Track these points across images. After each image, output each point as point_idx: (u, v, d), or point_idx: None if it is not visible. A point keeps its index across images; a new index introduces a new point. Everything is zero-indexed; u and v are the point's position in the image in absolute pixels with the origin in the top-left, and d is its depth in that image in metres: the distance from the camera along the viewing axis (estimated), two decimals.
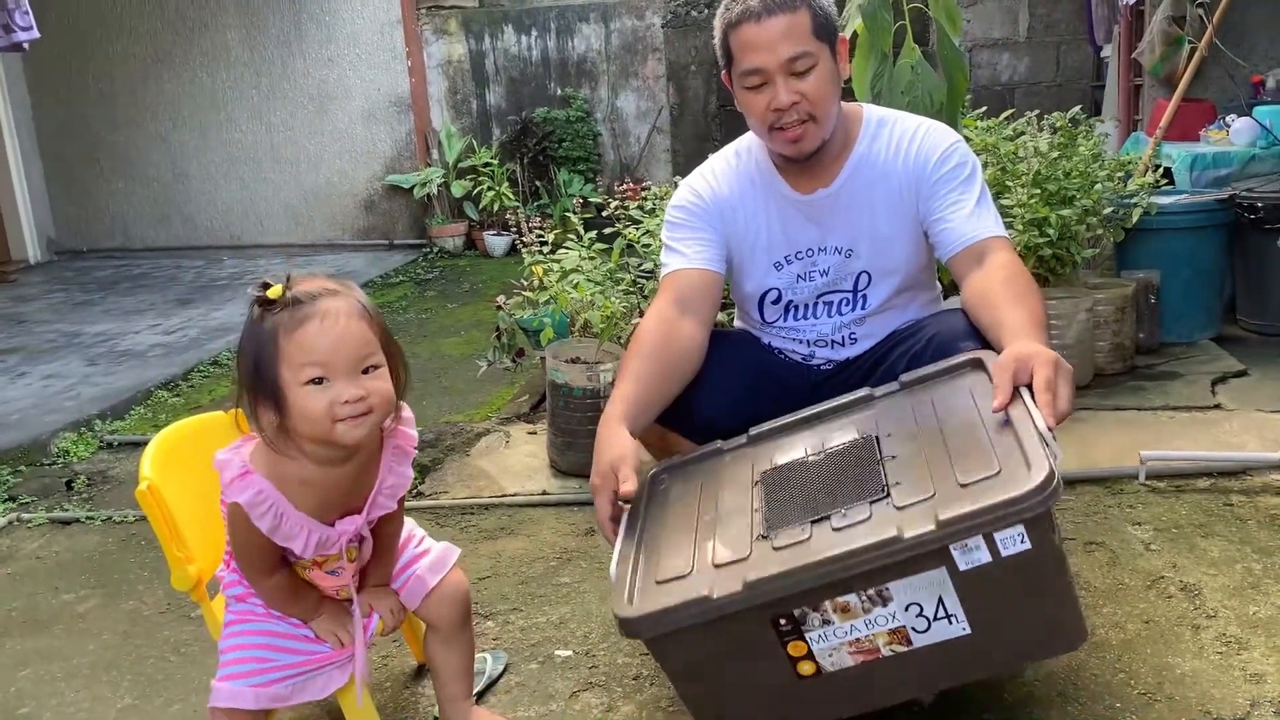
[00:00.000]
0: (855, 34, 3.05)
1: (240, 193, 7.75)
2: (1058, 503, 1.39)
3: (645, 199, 3.64)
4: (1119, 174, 3.84)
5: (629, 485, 1.72)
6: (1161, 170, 4.17)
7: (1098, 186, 3.61)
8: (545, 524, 2.76)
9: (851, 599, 1.44)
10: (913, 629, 1.45)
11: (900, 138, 2.03)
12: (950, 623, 1.44)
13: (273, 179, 7.69)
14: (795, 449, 1.77)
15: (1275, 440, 2.73)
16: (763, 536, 1.56)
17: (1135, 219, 3.70)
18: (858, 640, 1.47)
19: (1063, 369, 1.56)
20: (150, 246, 7.84)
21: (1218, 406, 3.21)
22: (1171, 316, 3.80)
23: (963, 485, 1.45)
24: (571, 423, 3.00)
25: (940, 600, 1.43)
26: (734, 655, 1.51)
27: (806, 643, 1.48)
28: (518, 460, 3.17)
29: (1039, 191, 3.47)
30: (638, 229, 3.46)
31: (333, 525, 1.62)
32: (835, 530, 1.49)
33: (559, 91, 7.48)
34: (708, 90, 7.29)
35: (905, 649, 1.47)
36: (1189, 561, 2.30)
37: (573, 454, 3.01)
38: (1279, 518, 2.47)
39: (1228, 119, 4.34)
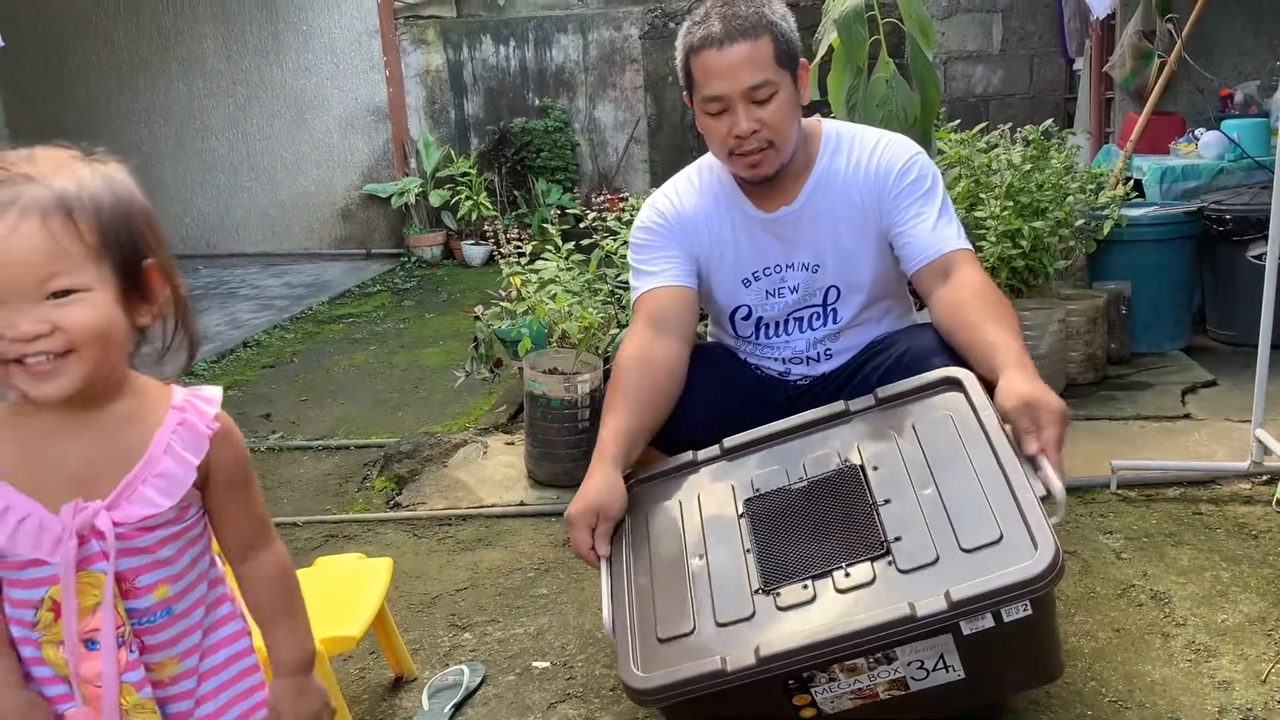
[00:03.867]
0: (831, 48, 3.08)
1: (216, 202, 7.71)
2: None
3: (624, 210, 3.66)
4: (1090, 186, 3.89)
5: (604, 549, 1.77)
6: (1132, 183, 4.22)
7: (1070, 199, 3.66)
8: (523, 535, 2.77)
9: (859, 662, 1.47)
10: (911, 678, 1.50)
11: (860, 152, 2.06)
12: (947, 672, 1.49)
13: (249, 188, 7.66)
14: (775, 471, 1.77)
15: (1243, 449, 2.77)
16: (763, 591, 1.57)
17: (1106, 231, 3.75)
18: (859, 690, 1.51)
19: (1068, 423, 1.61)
20: None
21: (1187, 416, 3.26)
22: (1142, 327, 3.84)
23: (965, 550, 1.49)
24: (549, 433, 3.01)
25: (941, 656, 1.47)
26: (743, 712, 1.54)
27: (810, 695, 1.52)
28: (495, 471, 3.18)
29: (1012, 204, 3.51)
30: (615, 240, 3.47)
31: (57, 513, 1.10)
32: (840, 592, 1.52)
33: (537, 102, 7.49)
34: (685, 101, 7.32)
35: (902, 693, 1.51)
36: (1159, 570, 2.33)
37: (550, 464, 3.02)
38: (1247, 526, 2.51)
39: (1197, 132, 4.40)
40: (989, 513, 1.51)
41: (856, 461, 1.70)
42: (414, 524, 2.87)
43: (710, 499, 1.78)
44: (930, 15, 4.41)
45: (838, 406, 1.83)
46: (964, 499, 1.55)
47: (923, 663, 1.48)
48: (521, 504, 2.94)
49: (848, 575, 1.53)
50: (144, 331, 1.15)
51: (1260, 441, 2.67)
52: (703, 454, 1.87)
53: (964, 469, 1.59)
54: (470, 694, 2.03)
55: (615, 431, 1.88)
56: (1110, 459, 2.78)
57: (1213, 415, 3.24)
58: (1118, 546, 2.45)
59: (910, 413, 1.75)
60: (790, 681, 1.49)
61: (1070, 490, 2.74)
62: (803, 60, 2.00)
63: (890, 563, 1.52)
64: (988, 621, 1.42)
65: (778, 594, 1.56)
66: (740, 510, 1.73)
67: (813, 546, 1.60)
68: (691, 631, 1.57)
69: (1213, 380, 3.56)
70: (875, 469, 1.68)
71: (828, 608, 1.51)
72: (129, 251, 1.11)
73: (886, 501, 1.62)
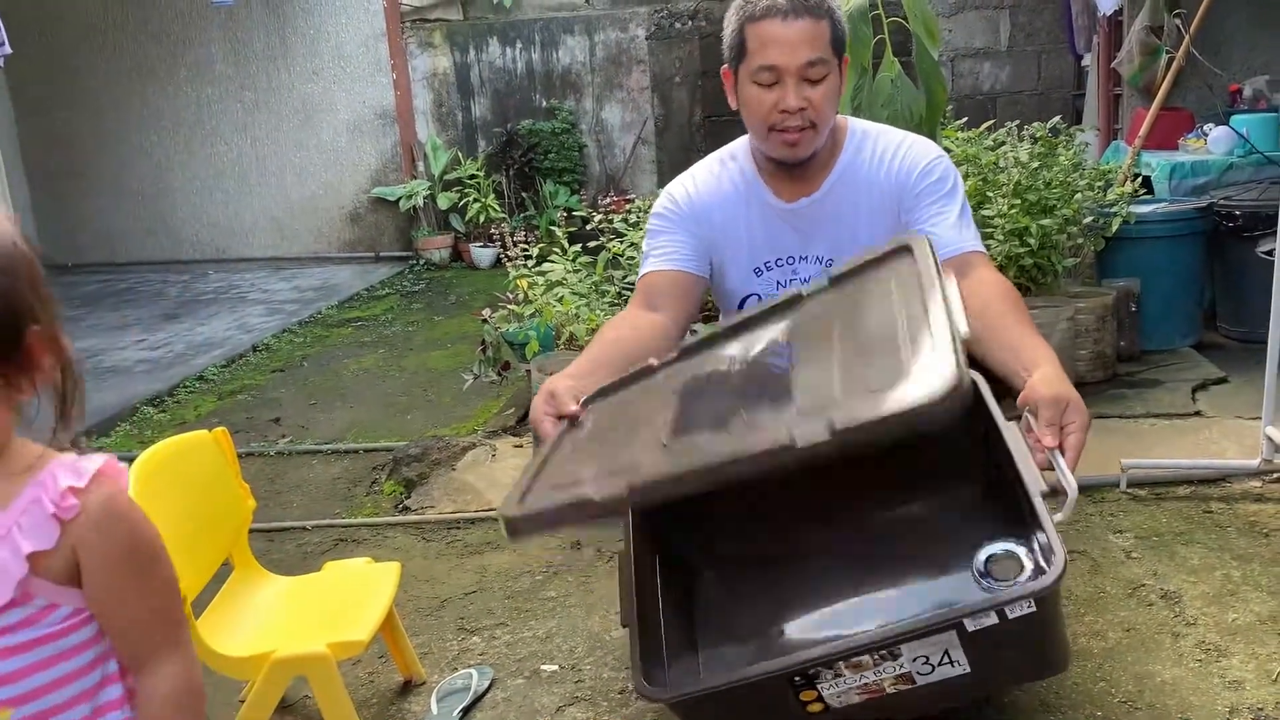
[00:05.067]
0: None
1: (225, 206, 7.74)
2: None
3: (630, 211, 3.66)
4: (1099, 183, 3.87)
5: (572, 407, 1.74)
6: (1141, 179, 4.21)
7: (1078, 196, 3.65)
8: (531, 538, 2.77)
9: (864, 659, 1.47)
10: (917, 673, 1.49)
11: (884, 150, 2.06)
12: (952, 666, 1.48)
13: (258, 192, 7.69)
14: (721, 359, 1.78)
15: (1254, 447, 2.75)
16: (663, 444, 1.56)
17: (1115, 228, 3.73)
18: (865, 685, 1.51)
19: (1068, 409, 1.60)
20: (135, 261, 7.82)
21: (1198, 414, 3.24)
22: (1152, 324, 3.83)
23: (871, 391, 1.45)
24: None
25: (946, 652, 1.47)
26: (757, 714, 1.55)
27: (817, 691, 1.51)
28: (504, 474, 3.18)
29: (1020, 201, 3.50)
30: (622, 242, 3.47)
31: None
32: (730, 434, 1.50)
33: (544, 103, 7.50)
34: (692, 101, 7.32)
35: (908, 688, 1.51)
36: (1169, 569, 2.32)
37: None
38: (1257, 525, 2.49)
39: (1205, 128, 4.38)
40: (898, 352, 1.48)
41: (789, 340, 1.70)
42: (422, 528, 2.88)
43: (656, 388, 1.79)
44: (937, 13, 4.39)
45: (792, 292, 1.82)
46: (876, 343, 1.53)
47: (928, 658, 1.47)
48: None
49: (748, 424, 1.51)
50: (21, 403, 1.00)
51: (1271, 439, 2.65)
52: (661, 360, 1.85)
53: (885, 315, 1.58)
54: (479, 698, 2.03)
55: (569, 370, 1.88)
56: (1120, 457, 2.77)
57: (1223, 413, 3.22)
58: (1128, 545, 2.44)
59: (858, 284, 1.74)
60: (797, 679, 1.49)
61: (1080, 489, 2.73)
62: (846, 55, 2.02)
63: (795, 409, 1.50)
64: (992, 618, 1.41)
65: (672, 443, 1.55)
66: (675, 389, 1.73)
67: (725, 405, 1.59)
68: (583, 480, 1.55)
69: (1223, 377, 3.54)
70: (804, 339, 1.68)
71: (713, 445, 1.49)
72: (7, 323, 0.96)
73: (804, 363, 1.61)
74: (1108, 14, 4.96)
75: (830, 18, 1.94)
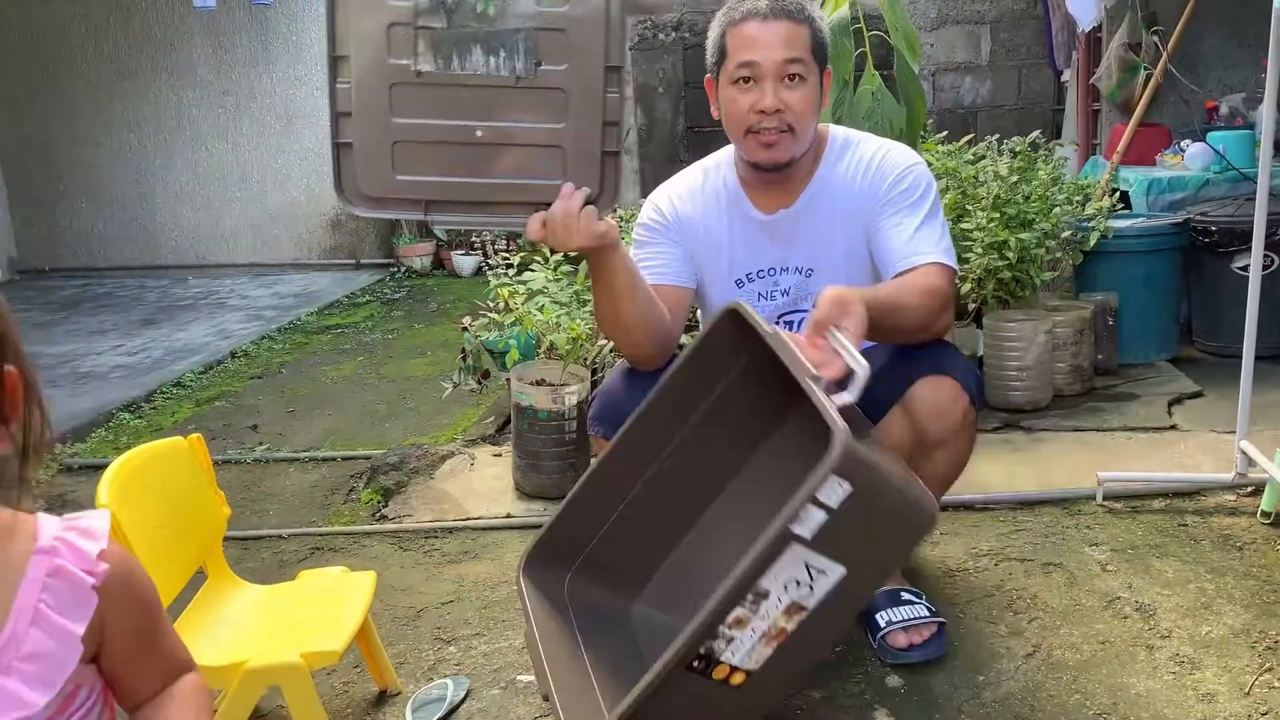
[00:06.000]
0: None
1: (206, 212, 7.70)
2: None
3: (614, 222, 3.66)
4: (1077, 198, 3.91)
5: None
6: (1119, 194, 4.24)
7: (1056, 210, 3.68)
8: (509, 547, 2.76)
9: (739, 612, 1.45)
10: (800, 599, 1.48)
11: (861, 158, 2.07)
12: (826, 575, 1.48)
13: (239, 198, 7.65)
14: None
15: (1228, 461, 2.78)
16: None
17: (1093, 242, 3.76)
18: (765, 634, 1.49)
19: (846, 310, 1.60)
20: (114, 266, 7.76)
21: (1174, 427, 3.26)
22: (1129, 338, 3.86)
23: None
24: (536, 445, 3.00)
25: (806, 565, 1.46)
26: (687, 714, 1.54)
27: (725, 663, 1.51)
28: (482, 483, 3.17)
29: (999, 215, 3.52)
30: None
31: None
32: None
33: None
34: (675, 112, 7.34)
35: (804, 615, 1.50)
36: (1144, 582, 2.33)
37: (538, 476, 3.01)
38: (1231, 538, 2.51)
39: (1183, 144, 4.42)
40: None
41: None
42: (400, 537, 2.86)
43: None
44: (918, 27, 4.41)
45: None
46: None
47: (797, 580, 1.47)
48: (508, 516, 2.93)
49: None
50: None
51: (1245, 453, 2.68)
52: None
53: None
54: (454, 708, 2.02)
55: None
56: (1096, 470, 2.78)
57: (1199, 426, 3.25)
58: (1103, 558, 2.45)
59: None
60: (695, 664, 1.48)
61: (1056, 501, 2.76)
62: (829, 69, 2.04)
63: None
64: (820, 516, 1.41)
65: None
66: None
67: None
68: None
69: (1199, 391, 3.57)
70: None
71: None
72: None
73: None
74: (1087, 30, 5.01)
75: (811, 25, 1.97)
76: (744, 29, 1.96)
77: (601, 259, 1.88)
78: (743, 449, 1.90)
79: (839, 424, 1.40)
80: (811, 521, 1.41)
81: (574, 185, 1.78)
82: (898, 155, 2.07)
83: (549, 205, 1.78)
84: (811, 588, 1.48)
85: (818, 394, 1.47)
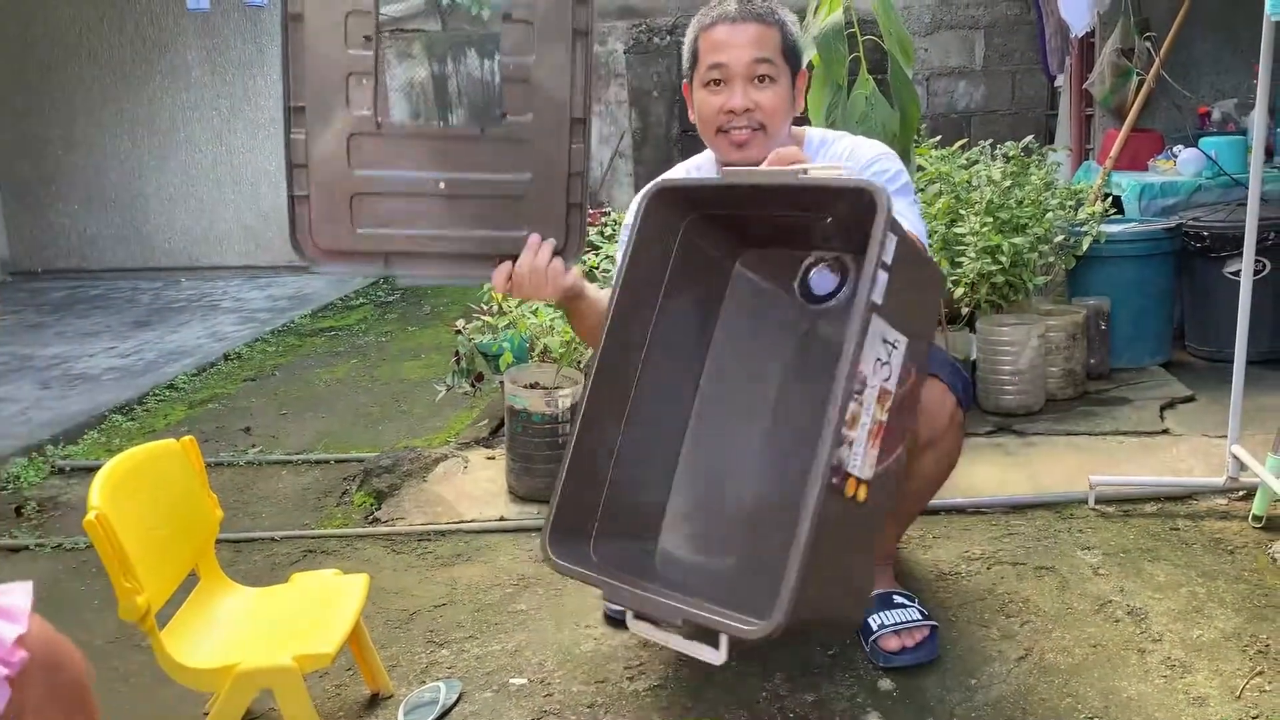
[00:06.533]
0: (811, 64, 3.09)
1: (199, 214, 7.68)
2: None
3: (606, 224, 3.67)
4: (1070, 202, 3.91)
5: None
6: (1111, 199, 4.25)
7: (1049, 215, 3.68)
8: (502, 550, 2.76)
9: (851, 408, 1.49)
10: (884, 380, 1.55)
11: (838, 154, 2.13)
12: (896, 347, 1.56)
13: (232, 200, 7.64)
14: None
15: (1220, 465, 2.78)
16: None
17: (1086, 247, 3.77)
18: (871, 431, 1.54)
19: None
20: (107, 268, 7.75)
21: (1166, 432, 3.27)
22: (1122, 343, 3.86)
23: None
24: (530, 448, 3.00)
25: (883, 339, 1.53)
26: (829, 552, 1.52)
27: (852, 475, 1.53)
28: (476, 486, 3.17)
29: (992, 219, 3.53)
30: (597, 254, 3.48)
31: None
32: None
33: None
34: (669, 116, 7.35)
35: (890, 399, 1.56)
36: (1136, 585, 2.34)
37: (531, 479, 3.01)
38: (1223, 542, 2.52)
39: (1175, 149, 4.43)
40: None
41: None
42: (393, 539, 2.86)
43: None
44: (912, 32, 4.42)
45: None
46: None
47: (880, 359, 1.53)
48: (501, 519, 2.93)
49: None
50: None
51: (1236, 457, 2.69)
52: None
53: None
54: (446, 711, 2.02)
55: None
56: (1089, 474, 2.79)
57: (1190, 431, 3.25)
58: (1095, 562, 2.46)
59: None
60: (834, 480, 1.49)
61: (1048, 505, 2.77)
62: (803, 70, 2.07)
63: None
64: (883, 277, 1.49)
65: None
66: None
67: None
68: None
69: (1191, 396, 3.58)
70: None
71: None
72: None
73: None
74: (1080, 35, 5.02)
75: (781, 27, 2.00)
76: (714, 32, 1.99)
77: (572, 304, 1.90)
78: (702, 338, 1.93)
79: (872, 183, 1.52)
80: (880, 285, 1.48)
81: (540, 237, 1.76)
82: (869, 146, 2.13)
83: (514, 257, 1.76)
84: (889, 365, 1.55)
85: (820, 170, 1.58)
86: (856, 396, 1.50)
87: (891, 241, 1.48)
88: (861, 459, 1.53)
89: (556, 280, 1.77)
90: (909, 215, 2.00)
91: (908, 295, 1.56)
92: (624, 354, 1.81)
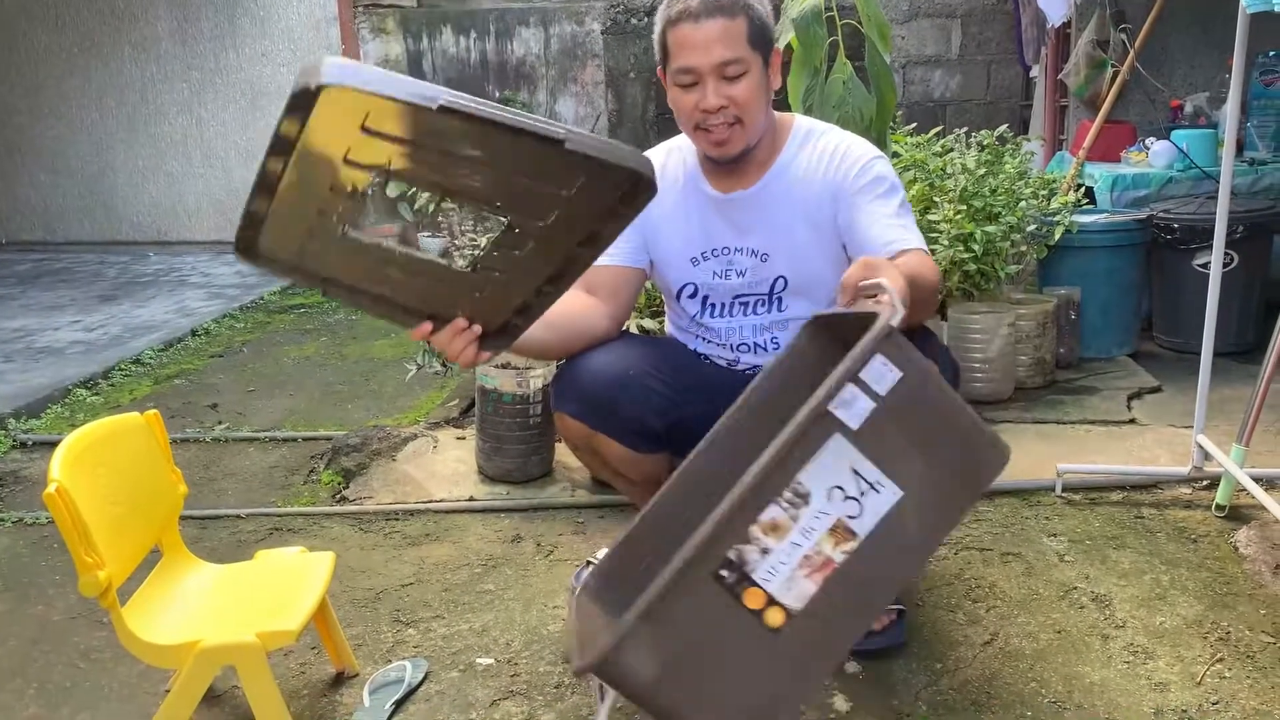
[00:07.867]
0: (789, 47, 3.08)
1: (168, 188, 7.57)
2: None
3: None
4: (1043, 192, 3.93)
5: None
6: (1084, 189, 4.28)
7: (1022, 204, 3.70)
8: (471, 530, 2.74)
9: (774, 511, 1.31)
10: (848, 517, 1.34)
11: (825, 149, 2.08)
12: (879, 493, 1.34)
13: (202, 174, 7.54)
14: None
15: (1185, 455, 2.81)
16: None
17: (1058, 236, 3.79)
18: (806, 558, 1.33)
19: (877, 269, 1.50)
20: (73, 240, 7.62)
21: (1132, 421, 3.30)
22: (1091, 333, 3.89)
23: None
24: (500, 428, 2.99)
25: (855, 472, 1.33)
26: (696, 643, 1.33)
27: (759, 585, 1.33)
28: (445, 465, 3.15)
29: (965, 208, 3.54)
30: None
31: None
32: None
33: (497, 94, 7.43)
34: (646, 98, 7.32)
35: (854, 544, 1.34)
36: (1100, 572, 2.36)
37: (501, 460, 3.00)
38: (1186, 530, 2.55)
39: (1147, 142, 4.46)
40: None
41: None
42: (360, 518, 2.84)
43: None
44: (890, 19, 4.42)
45: None
46: None
47: (843, 490, 1.32)
48: (470, 499, 2.92)
49: None
50: None
51: (1201, 447, 2.71)
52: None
53: None
54: (412, 690, 2.01)
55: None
56: (1056, 462, 2.81)
57: (1157, 421, 3.29)
58: (1061, 549, 2.48)
59: None
60: (723, 573, 1.31)
61: (1015, 492, 2.79)
62: (776, 48, 2.03)
63: None
64: (866, 404, 1.29)
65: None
66: None
67: None
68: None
69: (1158, 386, 3.61)
70: None
71: None
72: None
73: None
74: (1056, 26, 5.04)
75: (747, 14, 1.95)
76: (679, 31, 1.95)
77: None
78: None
79: (888, 310, 1.32)
80: (856, 407, 1.29)
81: (467, 323, 1.71)
82: (863, 147, 2.09)
83: (445, 319, 1.73)
84: (861, 506, 1.33)
85: (872, 313, 1.35)
86: (786, 504, 1.31)
87: (885, 372, 1.29)
88: (782, 580, 1.33)
89: (467, 361, 1.74)
90: (904, 223, 1.98)
91: (920, 447, 1.34)
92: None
